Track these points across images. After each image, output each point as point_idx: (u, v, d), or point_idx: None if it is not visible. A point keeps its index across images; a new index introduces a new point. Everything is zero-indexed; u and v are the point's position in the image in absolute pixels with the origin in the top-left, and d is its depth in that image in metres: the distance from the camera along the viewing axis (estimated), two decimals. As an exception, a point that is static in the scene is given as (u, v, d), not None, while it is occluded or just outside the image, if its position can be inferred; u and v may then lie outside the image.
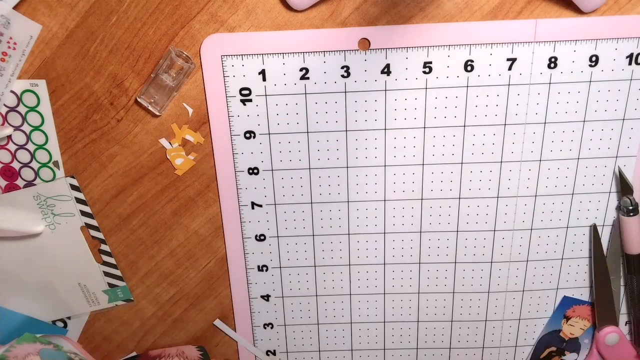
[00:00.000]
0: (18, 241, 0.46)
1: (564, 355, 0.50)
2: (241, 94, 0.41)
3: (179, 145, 0.43)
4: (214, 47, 0.40)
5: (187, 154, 0.43)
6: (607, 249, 0.46)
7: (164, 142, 0.43)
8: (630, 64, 0.40)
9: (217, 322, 0.50)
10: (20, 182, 0.44)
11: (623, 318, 0.48)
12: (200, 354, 0.50)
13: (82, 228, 0.46)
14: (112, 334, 0.51)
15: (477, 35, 0.39)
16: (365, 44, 0.40)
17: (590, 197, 0.44)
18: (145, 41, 0.40)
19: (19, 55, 0.40)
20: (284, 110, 0.42)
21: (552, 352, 0.50)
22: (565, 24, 0.39)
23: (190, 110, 0.42)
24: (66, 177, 0.44)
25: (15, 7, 0.38)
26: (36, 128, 0.42)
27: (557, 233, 0.45)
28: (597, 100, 0.41)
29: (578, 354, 0.50)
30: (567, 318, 0.48)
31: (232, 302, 0.49)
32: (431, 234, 0.46)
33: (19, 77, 0.41)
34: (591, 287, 0.47)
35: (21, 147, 0.43)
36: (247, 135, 0.43)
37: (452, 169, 0.43)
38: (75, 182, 0.44)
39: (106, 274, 0.48)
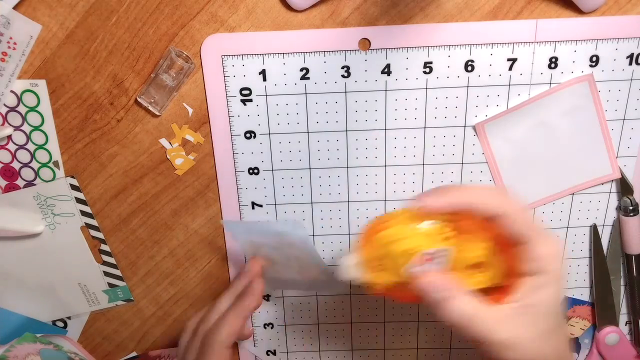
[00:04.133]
0: (18, 241, 0.46)
1: (564, 355, 0.50)
2: (241, 94, 0.41)
3: (179, 145, 0.43)
4: (214, 47, 0.40)
5: (187, 154, 0.43)
6: (607, 249, 0.46)
7: (164, 142, 0.43)
8: (630, 64, 0.40)
9: None
10: (20, 182, 0.44)
11: (623, 318, 0.48)
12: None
13: (82, 228, 0.46)
14: (112, 334, 0.51)
15: (477, 36, 0.39)
16: (365, 44, 0.40)
17: (591, 198, 0.44)
18: (145, 41, 0.40)
19: (19, 55, 0.40)
20: (284, 110, 0.42)
21: (552, 352, 0.50)
22: (566, 24, 0.39)
23: (190, 110, 0.42)
24: (66, 177, 0.44)
25: (15, 7, 0.38)
26: (36, 128, 0.42)
27: (558, 233, 0.45)
28: (598, 100, 0.41)
29: (578, 354, 0.50)
30: (568, 318, 0.48)
31: (232, 302, 0.49)
32: (431, 234, 0.46)
33: (19, 77, 0.41)
34: (591, 287, 0.47)
35: (21, 147, 0.43)
36: (248, 135, 0.42)
37: (452, 169, 0.43)
38: (75, 182, 0.44)
39: (106, 274, 0.48)
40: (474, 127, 0.42)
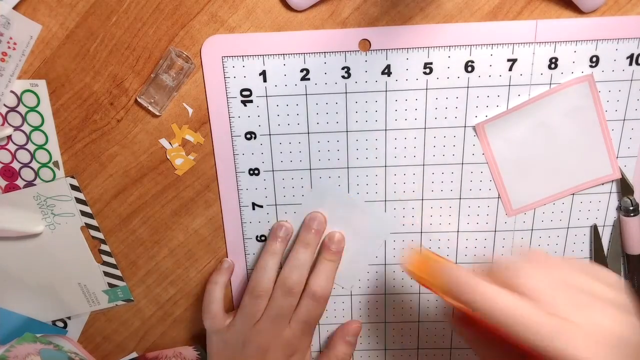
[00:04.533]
0: (18, 241, 0.46)
1: (564, 355, 0.50)
2: (242, 95, 0.41)
3: (179, 145, 0.43)
4: (214, 48, 0.40)
5: (187, 154, 0.43)
6: (608, 249, 0.46)
7: (164, 142, 0.43)
8: (630, 64, 0.40)
9: None
10: (20, 182, 0.44)
11: (623, 318, 0.48)
12: (198, 354, 0.50)
13: (82, 228, 0.46)
14: (112, 334, 0.51)
15: (477, 36, 0.39)
16: (365, 44, 0.40)
17: (591, 198, 0.44)
18: (145, 41, 0.40)
19: (19, 55, 0.40)
20: (284, 111, 0.42)
21: (552, 352, 0.50)
22: (566, 24, 0.39)
23: (190, 110, 0.42)
24: (66, 177, 0.44)
25: (15, 7, 0.38)
26: (36, 128, 0.42)
27: (558, 233, 0.45)
28: (598, 101, 0.41)
29: (578, 354, 0.50)
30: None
31: (233, 302, 0.49)
32: (432, 234, 0.46)
33: (19, 77, 0.41)
34: (591, 287, 0.47)
35: (21, 147, 0.43)
36: (248, 136, 0.42)
37: (452, 170, 0.43)
38: (75, 182, 0.44)
39: (106, 274, 0.48)
40: (474, 128, 0.42)
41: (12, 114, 0.42)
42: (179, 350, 0.50)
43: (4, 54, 0.39)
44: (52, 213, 0.45)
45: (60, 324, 0.50)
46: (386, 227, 0.45)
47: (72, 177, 0.44)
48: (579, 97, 0.41)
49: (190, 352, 0.49)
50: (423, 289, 0.48)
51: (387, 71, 0.40)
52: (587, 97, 0.41)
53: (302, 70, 0.40)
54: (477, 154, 0.43)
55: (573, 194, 0.44)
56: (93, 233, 0.46)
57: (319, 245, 0.45)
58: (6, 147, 0.43)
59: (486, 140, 0.42)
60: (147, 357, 0.49)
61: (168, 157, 0.43)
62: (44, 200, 0.45)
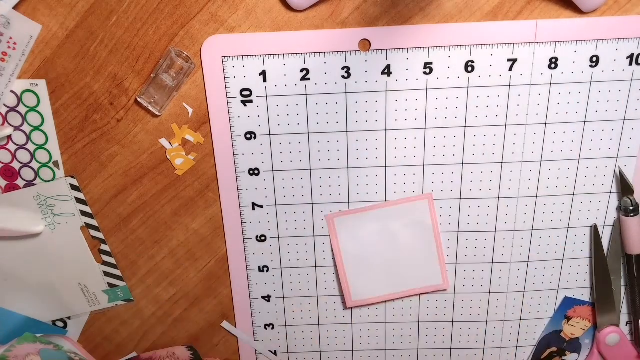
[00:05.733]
0: (18, 241, 0.46)
1: (565, 355, 0.50)
2: (242, 95, 0.41)
3: (179, 145, 0.43)
4: (214, 48, 0.40)
5: (187, 154, 0.43)
6: (608, 249, 0.46)
7: (164, 142, 0.43)
8: (630, 64, 0.40)
9: (225, 324, 0.50)
10: (20, 182, 0.44)
11: (624, 318, 0.48)
12: (191, 354, 0.50)
13: (82, 228, 0.46)
14: (112, 334, 0.51)
15: (477, 36, 0.39)
16: (365, 44, 0.40)
17: (591, 198, 0.44)
18: (145, 41, 0.40)
19: (19, 55, 0.40)
20: (284, 111, 0.42)
21: (553, 352, 0.50)
22: (566, 24, 0.39)
23: (190, 110, 0.42)
24: (66, 177, 0.44)
25: (15, 7, 0.38)
26: (36, 128, 0.42)
27: (558, 233, 0.45)
28: (598, 101, 0.41)
29: (579, 355, 0.50)
30: (568, 318, 0.48)
31: (233, 302, 0.49)
32: (431, 234, 0.46)
33: (19, 77, 0.41)
34: (592, 287, 0.47)
35: (21, 147, 0.43)
36: (248, 136, 0.42)
37: (452, 170, 0.43)
38: (75, 182, 0.44)
39: (106, 274, 0.48)
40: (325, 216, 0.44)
41: (12, 113, 0.42)
42: (172, 350, 0.50)
43: (4, 54, 0.39)
44: (52, 213, 0.45)
45: (60, 324, 0.50)
46: None
47: (72, 177, 0.44)
48: (420, 212, 0.44)
49: (183, 351, 0.49)
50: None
51: (387, 71, 0.40)
52: (425, 213, 0.44)
53: (302, 70, 0.40)
54: (477, 154, 0.43)
55: (573, 194, 0.44)
56: (93, 233, 0.46)
57: None
58: (6, 147, 0.43)
59: (335, 232, 0.45)
60: (140, 358, 0.49)
61: (168, 157, 0.44)
62: (44, 200, 0.45)
